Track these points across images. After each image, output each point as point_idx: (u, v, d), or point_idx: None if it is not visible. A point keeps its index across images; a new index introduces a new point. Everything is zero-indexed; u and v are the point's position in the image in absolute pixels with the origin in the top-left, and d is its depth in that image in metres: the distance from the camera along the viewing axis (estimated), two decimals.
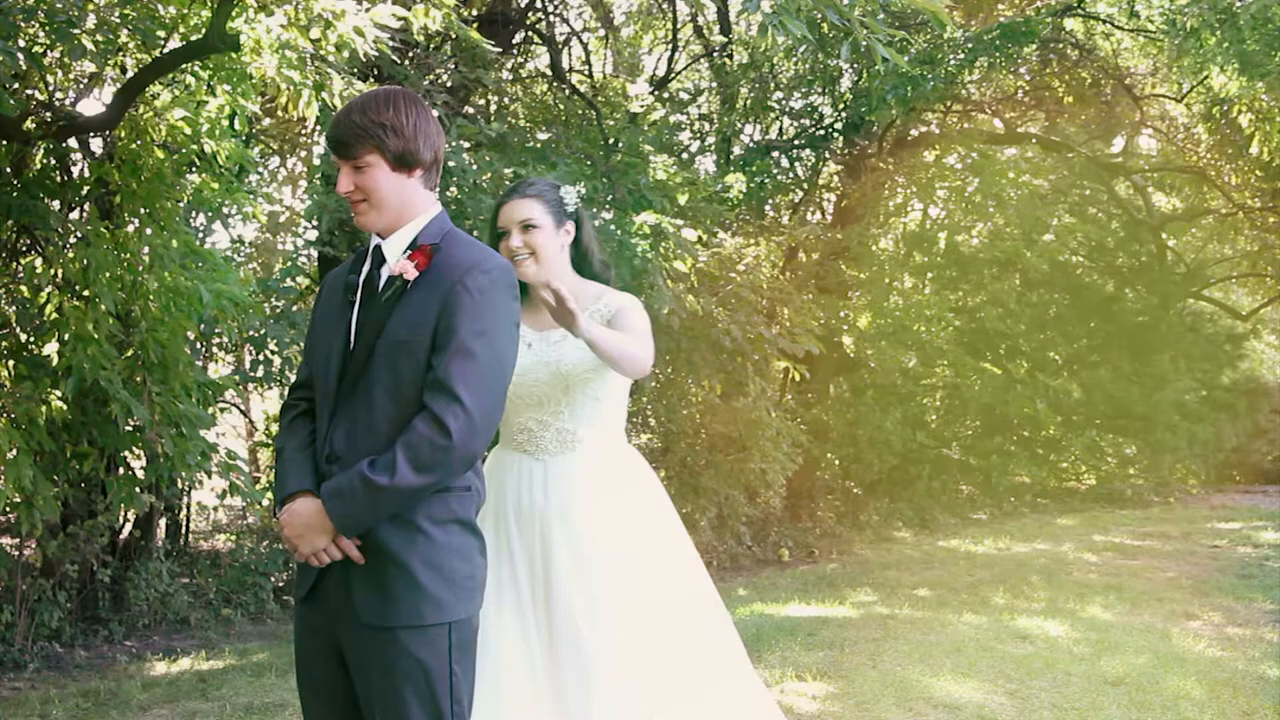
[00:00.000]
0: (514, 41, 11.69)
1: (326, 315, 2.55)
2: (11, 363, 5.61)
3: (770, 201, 14.06)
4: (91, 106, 6.40)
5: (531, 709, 2.75)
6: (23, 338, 5.56)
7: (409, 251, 2.45)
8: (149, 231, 5.47)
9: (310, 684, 2.53)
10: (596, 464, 2.98)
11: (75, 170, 6.10)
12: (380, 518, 2.36)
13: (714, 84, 13.87)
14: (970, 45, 11.90)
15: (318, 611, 2.48)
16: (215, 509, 10.36)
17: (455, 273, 2.41)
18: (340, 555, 2.39)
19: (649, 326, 3.13)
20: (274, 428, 11.30)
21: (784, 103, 13.86)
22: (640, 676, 2.78)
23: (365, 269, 2.50)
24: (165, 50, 5.24)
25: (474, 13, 9.70)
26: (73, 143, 5.92)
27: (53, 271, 5.43)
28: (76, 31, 4.90)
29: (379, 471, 2.32)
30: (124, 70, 5.76)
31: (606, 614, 2.81)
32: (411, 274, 2.42)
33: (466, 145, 8.21)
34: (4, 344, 5.61)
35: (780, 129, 14.53)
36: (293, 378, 8.81)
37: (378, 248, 2.49)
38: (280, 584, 8.73)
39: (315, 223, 8.40)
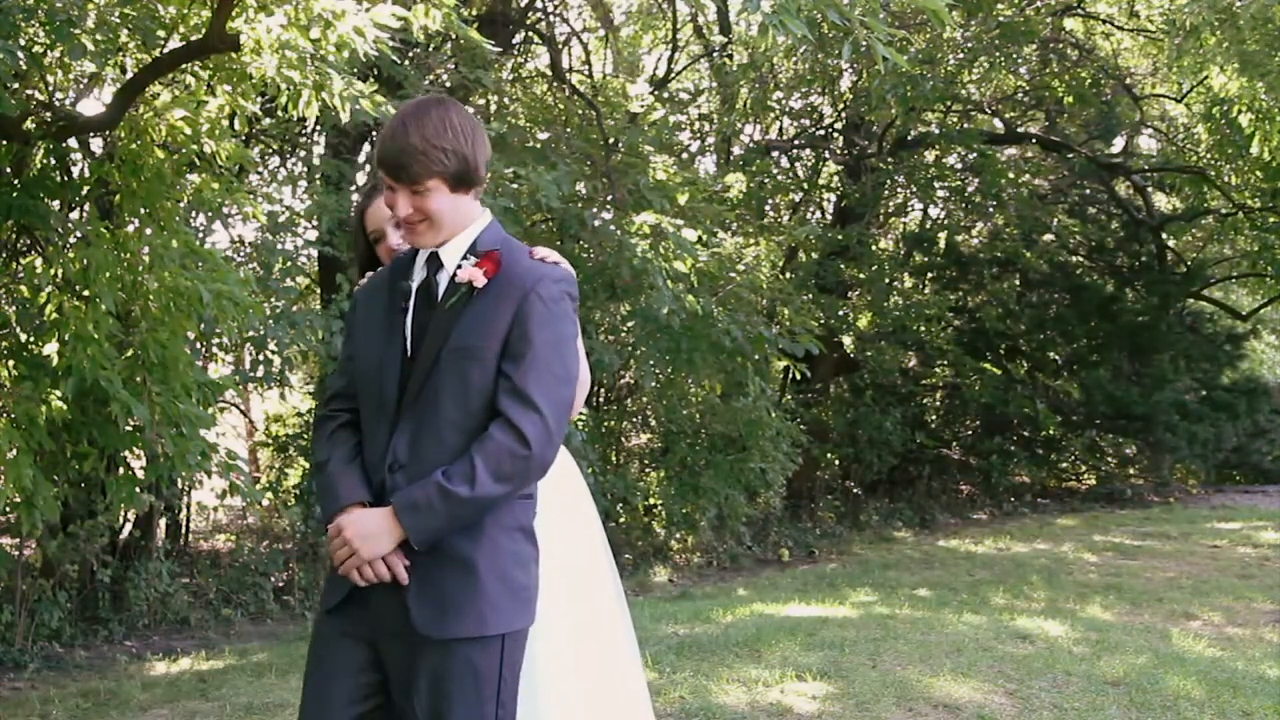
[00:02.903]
0: (514, 41, 11.69)
1: (369, 322, 2.47)
2: (11, 363, 5.60)
3: (770, 201, 14.08)
4: (91, 106, 6.40)
5: None
6: (23, 338, 5.55)
7: (473, 259, 2.40)
8: (149, 231, 5.45)
9: (325, 689, 2.41)
10: None
11: (75, 170, 6.10)
12: (455, 528, 2.32)
13: (714, 84, 13.88)
14: (970, 45, 11.92)
15: (353, 619, 2.40)
16: (215, 509, 10.36)
17: (527, 281, 2.38)
18: (388, 575, 2.32)
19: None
20: (274, 428, 11.30)
21: (784, 103, 13.87)
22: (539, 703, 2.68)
23: (420, 275, 2.43)
24: (165, 50, 5.24)
25: (474, 13, 9.70)
26: (73, 143, 5.91)
27: (53, 271, 5.42)
28: (76, 31, 4.89)
29: (458, 482, 2.28)
30: (124, 70, 5.76)
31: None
32: (481, 281, 2.37)
33: None
34: (4, 344, 5.61)
35: (780, 129, 14.55)
36: (292, 378, 8.84)
37: (434, 254, 2.43)
38: (280, 584, 8.73)
39: (315, 223, 8.40)
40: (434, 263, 2.43)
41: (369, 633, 2.39)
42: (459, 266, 2.40)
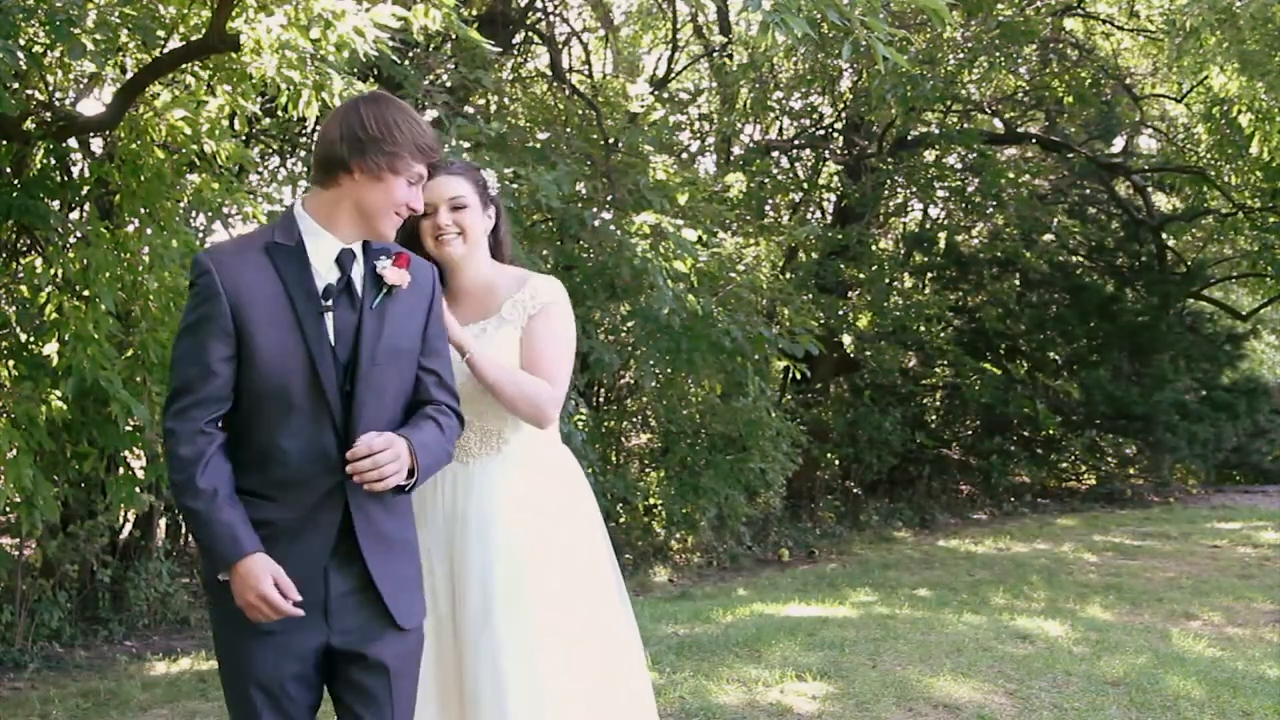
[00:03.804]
0: (514, 41, 11.68)
1: (268, 319, 2.30)
2: (11, 363, 5.60)
3: (770, 201, 14.06)
4: (91, 106, 6.39)
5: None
6: (23, 338, 5.56)
7: (386, 259, 2.39)
8: (149, 231, 5.46)
9: (282, 708, 2.36)
10: (521, 468, 2.83)
11: (75, 170, 6.10)
12: (423, 481, 2.41)
13: (714, 84, 13.87)
14: (970, 45, 11.91)
15: (305, 633, 2.33)
16: None
17: (429, 279, 2.49)
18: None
19: (572, 336, 2.92)
20: None
21: (784, 103, 13.86)
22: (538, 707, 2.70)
23: (333, 271, 2.37)
24: (165, 50, 5.24)
25: (474, 13, 9.69)
26: (73, 143, 5.91)
27: (53, 271, 5.43)
28: (76, 31, 4.89)
29: (446, 437, 2.43)
30: (124, 70, 5.76)
31: (506, 646, 2.69)
32: (406, 281, 2.40)
33: (466, 145, 8.20)
34: (4, 344, 5.61)
35: (780, 129, 14.54)
36: None
37: (349, 250, 2.38)
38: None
39: None
40: (349, 258, 2.38)
41: (324, 641, 2.34)
42: (376, 265, 2.40)
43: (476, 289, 2.90)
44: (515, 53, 11.95)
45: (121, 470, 5.80)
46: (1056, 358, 15.83)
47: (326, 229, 2.37)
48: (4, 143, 5.37)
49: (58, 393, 5.23)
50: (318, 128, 9.80)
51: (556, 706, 2.70)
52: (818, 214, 15.00)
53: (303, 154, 10.45)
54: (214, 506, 2.25)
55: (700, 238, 9.01)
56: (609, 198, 9.36)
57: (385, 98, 2.44)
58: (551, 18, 12.24)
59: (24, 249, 6.11)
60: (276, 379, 2.30)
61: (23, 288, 5.66)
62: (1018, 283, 15.46)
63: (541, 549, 2.79)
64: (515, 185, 8.15)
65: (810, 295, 12.31)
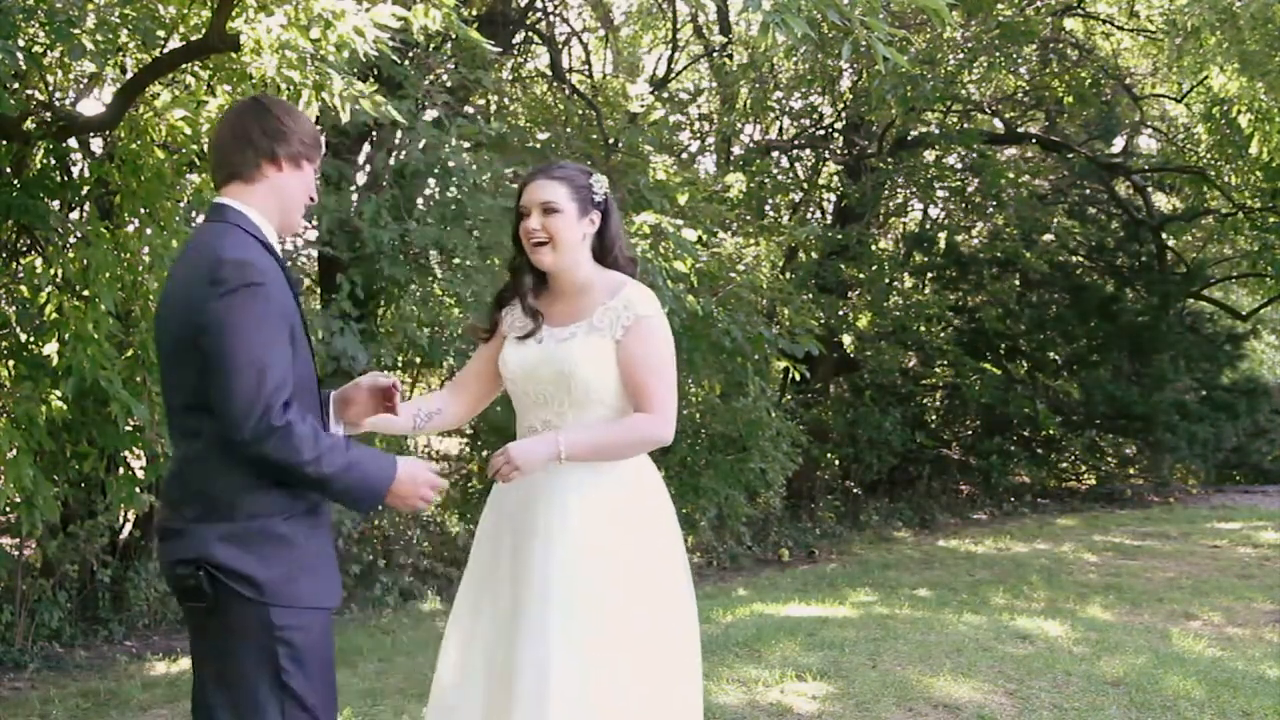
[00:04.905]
0: (514, 41, 11.68)
1: (289, 312, 2.43)
2: (11, 363, 5.62)
3: (770, 201, 14.06)
4: (91, 106, 6.41)
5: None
6: (23, 338, 5.57)
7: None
8: (149, 231, 5.48)
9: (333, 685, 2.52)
10: (599, 473, 2.80)
11: (75, 170, 6.11)
12: None
13: (714, 84, 13.87)
14: (970, 45, 11.90)
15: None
16: None
17: None
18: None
19: (671, 347, 2.89)
20: None
21: (784, 103, 13.85)
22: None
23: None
24: (165, 50, 5.25)
25: (474, 13, 9.69)
26: (73, 143, 5.93)
27: (53, 271, 5.44)
28: (76, 31, 4.90)
29: None
30: (124, 70, 5.77)
31: (568, 649, 2.67)
32: None
33: (467, 145, 8.20)
34: (4, 344, 5.62)
35: (780, 129, 14.53)
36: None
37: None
38: None
39: (315, 223, 8.41)
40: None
41: None
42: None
43: (571, 291, 2.88)
44: (515, 53, 11.95)
45: (121, 470, 5.80)
46: (1056, 358, 15.82)
47: (270, 224, 2.49)
48: (4, 143, 5.38)
49: (58, 393, 5.24)
50: (318, 127, 9.81)
51: (598, 714, 2.68)
52: (818, 214, 14.99)
53: None
54: (351, 451, 2.38)
55: (700, 238, 9.00)
56: None
57: (277, 99, 2.60)
58: (551, 18, 12.24)
59: (24, 249, 6.12)
60: (305, 368, 2.46)
61: (23, 288, 5.67)
62: (1018, 283, 15.45)
63: (608, 558, 2.76)
64: (515, 185, 8.16)
65: (810, 295, 12.30)
